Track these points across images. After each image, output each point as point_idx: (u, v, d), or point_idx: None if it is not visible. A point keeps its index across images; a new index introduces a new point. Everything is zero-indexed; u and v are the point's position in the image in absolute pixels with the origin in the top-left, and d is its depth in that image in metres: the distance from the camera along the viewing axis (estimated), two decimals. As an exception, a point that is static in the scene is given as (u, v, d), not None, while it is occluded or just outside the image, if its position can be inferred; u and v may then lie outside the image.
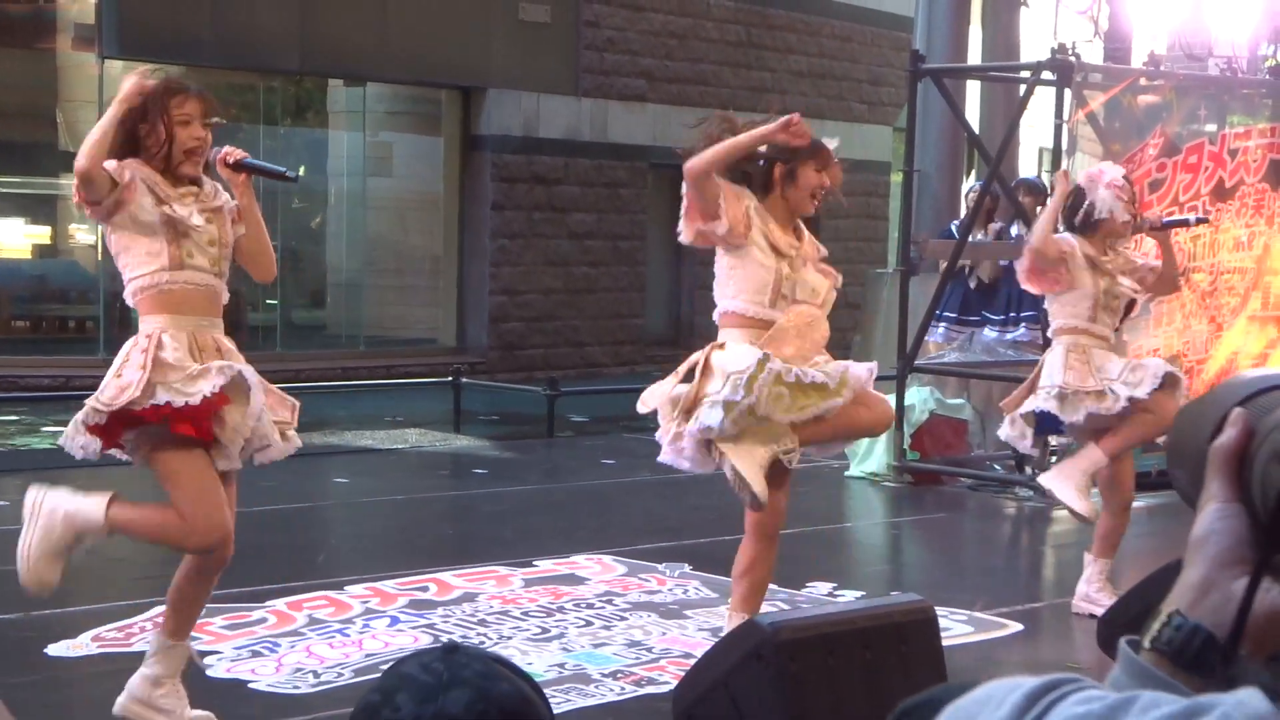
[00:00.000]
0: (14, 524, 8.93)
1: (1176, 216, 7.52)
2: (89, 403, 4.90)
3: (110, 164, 4.88)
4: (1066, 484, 7.02)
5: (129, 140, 4.95)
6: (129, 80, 4.96)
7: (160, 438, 4.86)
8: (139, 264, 4.95)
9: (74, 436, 4.93)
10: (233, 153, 5.06)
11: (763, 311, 5.61)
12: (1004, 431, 7.36)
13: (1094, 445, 7.05)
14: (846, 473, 10.78)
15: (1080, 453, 7.17)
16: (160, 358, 4.83)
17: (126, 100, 4.90)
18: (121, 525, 5.00)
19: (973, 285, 11.71)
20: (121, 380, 4.85)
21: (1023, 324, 11.52)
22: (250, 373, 4.94)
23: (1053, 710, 1.11)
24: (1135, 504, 9.58)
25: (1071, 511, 7.11)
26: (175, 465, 4.90)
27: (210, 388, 4.79)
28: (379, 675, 1.82)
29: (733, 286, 5.65)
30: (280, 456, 5.10)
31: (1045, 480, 7.23)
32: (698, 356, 5.63)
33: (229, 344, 5.03)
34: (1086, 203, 7.07)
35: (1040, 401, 7.05)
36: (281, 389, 5.27)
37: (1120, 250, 7.18)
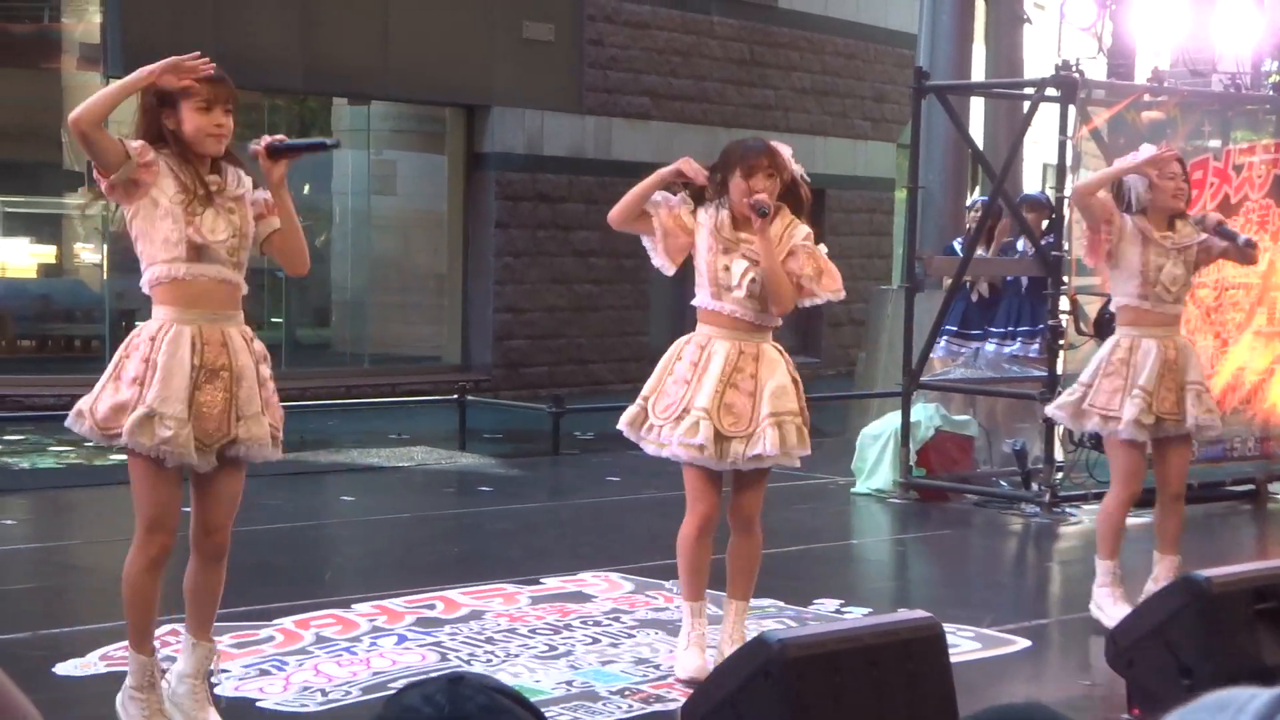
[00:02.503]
0: (19, 543, 8.96)
1: (1231, 229, 7.56)
2: (88, 408, 4.96)
3: (135, 143, 4.88)
4: (1103, 606, 7.09)
5: (156, 130, 4.97)
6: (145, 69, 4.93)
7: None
8: (156, 252, 4.95)
9: (79, 424, 5.02)
10: (267, 140, 5.05)
11: (708, 303, 6.04)
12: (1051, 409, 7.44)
13: (1099, 558, 7.16)
14: (852, 489, 10.77)
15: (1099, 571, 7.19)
16: (154, 364, 4.88)
17: (138, 76, 4.88)
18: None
19: (974, 299, 11.71)
20: (117, 399, 4.91)
21: (1019, 338, 11.52)
22: (247, 366, 5.00)
23: None
24: (1142, 519, 9.60)
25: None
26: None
27: (150, 443, 4.86)
28: (383, 699, 1.81)
29: (697, 281, 6.11)
30: (266, 459, 5.14)
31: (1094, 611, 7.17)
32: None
33: (239, 339, 5.02)
34: (1125, 187, 7.10)
35: (1057, 402, 7.19)
36: (286, 407, 5.30)
37: (1182, 227, 7.10)
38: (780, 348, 6.07)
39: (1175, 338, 7.13)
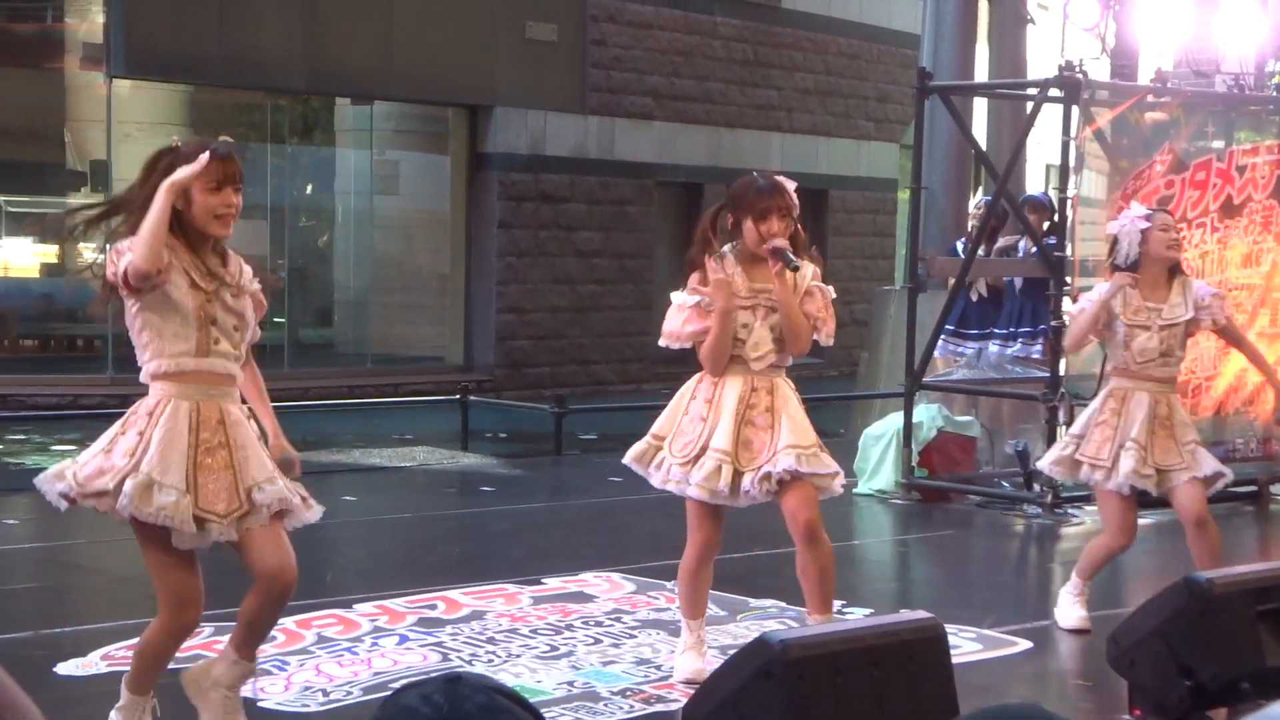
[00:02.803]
0: (22, 542, 8.96)
1: None
2: (70, 470, 4.86)
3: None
4: (1062, 607, 7.32)
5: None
6: (172, 177, 4.77)
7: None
8: (164, 345, 4.84)
9: (53, 484, 4.89)
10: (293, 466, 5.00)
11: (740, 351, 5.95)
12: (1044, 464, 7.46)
13: (1075, 573, 7.29)
14: (855, 490, 10.76)
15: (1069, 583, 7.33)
16: (149, 438, 4.79)
17: (171, 193, 4.74)
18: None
19: (973, 299, 11.71)
20: (105, 463, 4.81)
21: (1019, 339, 11.52)
22: (249, 438, 4.89)
23: None
24: (1142, 521, 9.59)
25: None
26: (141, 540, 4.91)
27: (150, 510, 4.73)
28: (383, 699, 1.81)
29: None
30: (299, 523, 4.99)
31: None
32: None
33: (237, 413, 4.91)
34: (1117, 244, 7.07)
35: (1050, 458, 7.19)
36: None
37: (1174, 295, 7.02)
38: (791, 383, 6.02)
39: (1169, 396, 7.07)
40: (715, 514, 6.05)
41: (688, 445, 5.93)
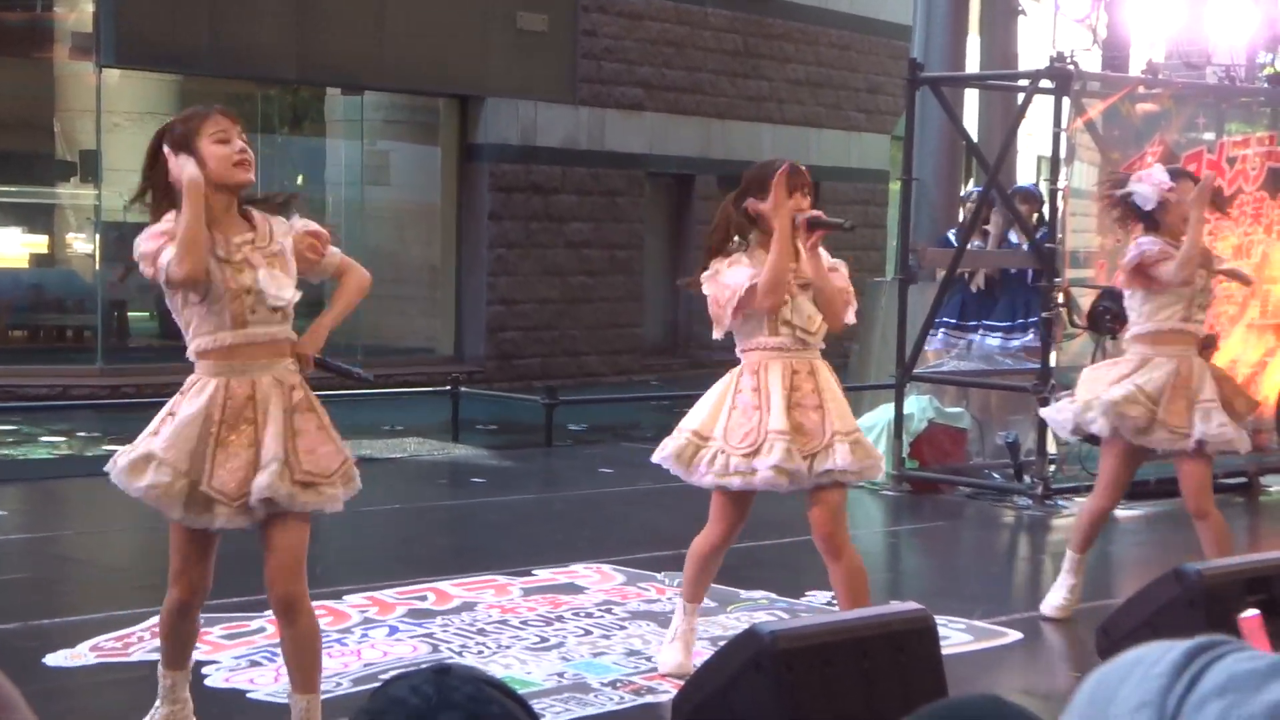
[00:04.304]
0: (10, 534, 8.94)
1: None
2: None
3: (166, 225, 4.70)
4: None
5: (169, 190, 4.74)
6: (189, 179, 4.65)
7: None
8: (200, 323, 4.75)
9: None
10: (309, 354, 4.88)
11: (762, 340, 5.81)
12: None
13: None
14: (845, 481, 10.77)
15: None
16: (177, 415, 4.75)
17: (195, 194, 4.62)
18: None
19: (973, 290, 11.72)
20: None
21: (999, 333, 11.55)
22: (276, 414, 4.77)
23: (1213, 666, 1.11)
24: (1133, 512, 9.61)
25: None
26: None
27: (144, 490, 4.70)
28: (372, 690, 1.81)
29: (741, 328, 5.86)
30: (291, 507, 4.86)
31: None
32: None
33: (267, 387, 4.78)
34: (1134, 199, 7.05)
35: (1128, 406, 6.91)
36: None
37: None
38: (828, 364, 5.95)
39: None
40: (744, 506, 5.89)
41: (748, 435, 5.71)
